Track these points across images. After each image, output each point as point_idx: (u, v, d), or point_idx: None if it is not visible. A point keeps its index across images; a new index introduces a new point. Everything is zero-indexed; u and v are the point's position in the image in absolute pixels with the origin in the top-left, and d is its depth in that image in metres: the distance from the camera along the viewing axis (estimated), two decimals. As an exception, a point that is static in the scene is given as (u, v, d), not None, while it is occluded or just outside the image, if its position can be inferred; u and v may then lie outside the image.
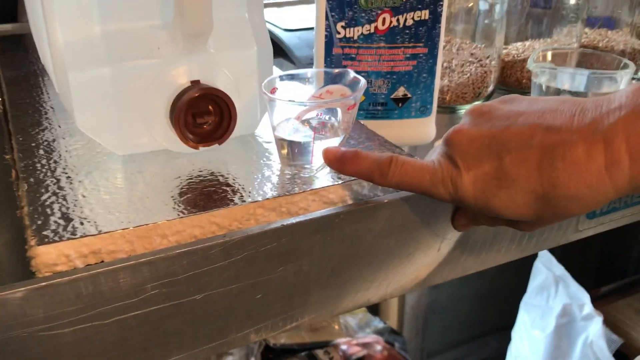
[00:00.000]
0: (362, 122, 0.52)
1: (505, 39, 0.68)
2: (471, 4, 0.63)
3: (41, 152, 0.42)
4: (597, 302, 1.21)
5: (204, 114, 0.39)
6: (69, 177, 0.38)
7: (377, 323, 1.09)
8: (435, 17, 0.52)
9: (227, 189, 0.37)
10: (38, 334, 0.29)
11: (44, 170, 0.39)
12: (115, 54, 0.38)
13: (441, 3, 0.51)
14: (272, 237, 0.33)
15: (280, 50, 0.76)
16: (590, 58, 0.57)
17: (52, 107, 0.50)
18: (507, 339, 1.31)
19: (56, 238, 0.32)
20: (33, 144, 0.43)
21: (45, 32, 0.43)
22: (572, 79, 0.52)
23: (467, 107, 0.64)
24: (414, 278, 0.39)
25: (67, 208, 0.34)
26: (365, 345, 1.02)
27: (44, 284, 0.28)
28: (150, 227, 0.33)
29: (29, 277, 0.31)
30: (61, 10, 0.38)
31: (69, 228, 0.33)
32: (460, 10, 0.64)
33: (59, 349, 0.30)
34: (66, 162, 0.40)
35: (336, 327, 1.00)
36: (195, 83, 0.39)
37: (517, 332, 1.27)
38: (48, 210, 0.34)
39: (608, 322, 1.15)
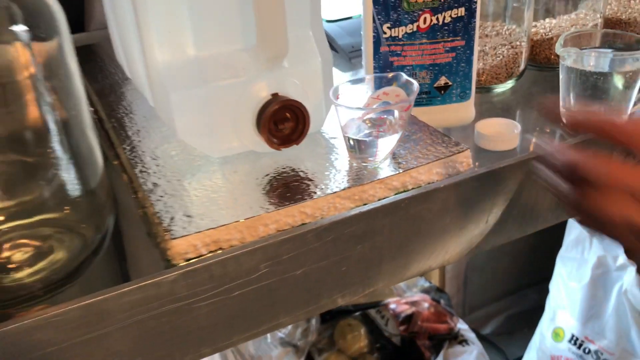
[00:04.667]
0: (408, 109, 0.59)
1: (534, 15, 0.73)
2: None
3: (148, 158, 0.50)
4: (630, 252, 1.27)
5: (283, 121, 0.47)
6: (178, 179, 0.47)
7: (423, 283, 1.18)
8: (471, 12, 0.58)
9: (308, 182, 0.46)
10: (182, 307, 0.38)
11: (155, 174, 0.48)
12: (208, 76, 0.46)
13: (475, 0, 0.58)
14: (352, 222, 0.41)
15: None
16: (614, 37, 0.63)
17: (144, 116, 0.58)
18: (545, 292, 1.38)
19: (185, 232, 0.40)
20: (140, 152, 0.51)
21: (139, 53, 0.51)
22: (597, 60, 0.59)
23: (501, 86, 0.70)
24: (467, 246, 0.47)
25: (186, 207, 0.43)
26: (413, 304, 1.11)
27: (188, 269, 0.37)
28: (255, 218, 0.42)
29: (163, 264, 0.40)
30: (160, 39, 0.46)
31: (193, 223, 0.41)
32: (491, -3, 0.69)
33: (196, 319, 0.39)
34: (172, 166, 0.49)
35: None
36: (275, 96, 0.47)
37: (554, 285, 1.34)
38: (170, 209, 0.43)
39: (642, 271, 1.21)
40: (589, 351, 1.21)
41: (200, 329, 0.39)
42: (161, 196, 0.45)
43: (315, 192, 0.44)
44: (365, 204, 0.45)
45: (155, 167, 0.49)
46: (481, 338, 1.27)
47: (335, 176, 0.46)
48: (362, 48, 0.62)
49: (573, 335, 1.23)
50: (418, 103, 0.62)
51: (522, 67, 0.72)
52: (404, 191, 0.46)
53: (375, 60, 0.60)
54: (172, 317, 0.38)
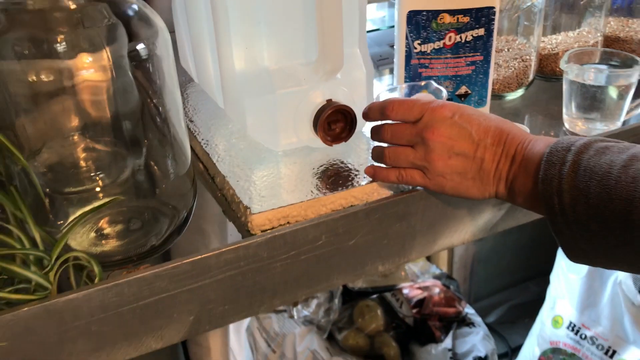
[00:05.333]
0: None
1: (542, 31, 0.84)
2: (515, 9, 0.79)
3: (221, 150, 0.61)
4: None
5: (336, 122, 0.58)
6: (250, 167, 0.58)
7: (435, 270, 1.29)
8: (489, 32, 0.69)
9: (355, 172, 0.56)
10: (262, 267, 0.49)
11: (230, 163, 0.58)
12: (276, 85, 0.57)
13: (493, 22, 0.68)
14: (394, 204, 0.52)
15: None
16: (611, 55, 0.73)
17: (211, 115, 0.69)
18: (545, 285, 1.48)
19: (261, 209, 0.51)
20: (214, 144, 0.62)
21: (213, 63, 0.62)
22: (595, 75, 0.69)
23: (513, 94, 0.81)
24: (483, 228, 0.58)
25: (259, 190, 0.54)
26: (425, 289, 1.21)
27: (269, 236, 0.48)
28: (315, 200, 0.52)
29: (245, 234, 0.51)
30: (237, 54, 0.57)
31: (266, 202, 0.52)
32: (505, 12, 0.80)
33: (272, 276, 0.50)
34: (242, 157, 0.59)
35: (402, 273, 1.20)
36: (329, 101, 0.57)
37: (554, 276, 1.44)
38: (248, 191, 0.54)
39: (636, 264, 1.31)
40: (585, 337, 1.31)
41: (275, 284, 0.50)
42: (237, 181, 0.56)
43: (360, 180, 0.55)
44: (402, 191, 0.55)
45: (228, 157, 0.60)
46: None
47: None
48: (395, 60, 0.72)
49: (571, 323, 1.34)
50: (441, 108, 0.73)
51: (531, 77, 0.82)
52: (433, 181, 0.56)
53: (406, 71, 0.71)
54: (255, 274, 0.48)
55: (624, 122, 0.72)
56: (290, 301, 0.50)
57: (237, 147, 0.61)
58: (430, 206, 0.54)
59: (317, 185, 0.54)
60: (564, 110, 0.73)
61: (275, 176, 0.56)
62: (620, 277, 1.28)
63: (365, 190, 0.54)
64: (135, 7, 0.49)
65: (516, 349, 1.58)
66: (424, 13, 0.67)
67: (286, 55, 0.57)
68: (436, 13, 0.67)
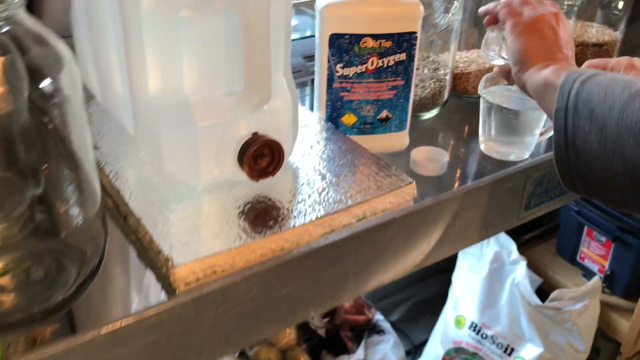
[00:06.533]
0: (352, 137, 0.68)
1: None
2: (432, 30, 0.79)
3: (132, 184, 0.55)
4: (521, 248, 1.45)
5: (263, 156, 0.54)
6: (167, 207, 0.53)
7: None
8: (410, 57, 0.68)
9: (283, 210, 0.53)
10: (187, 327, 0.44)
11: (144, 201, 0.53)
12: (196, 117, 0.52)
13: (415, 47, 0.67)
14: (326, 248, 0.49)
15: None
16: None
17: (119, 141, 0.62)
18: (446, 280, 1.53)
19: (185, 260, 0.46)
20: (124, 178, 0.56)
21: (124, 87, 0.56)
22: (507, 97, 0.71)
23: (428, 113, 0.81)
24: (412, 264, 0.57)
25: (181, 234, 0.49)
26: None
27: (196, 295, 0.43)
28: (244, 246, 0.48)
29: (166, 287, 0.46)
30: (154, 82, 0.51)
31: (190, 250, 0.47)
32: (422, 33, 0.79)
33: (199, 335, 0.45)
34: (157, 193, 0.54)
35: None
36: (255, 134, 0.53)
37: (457, 277, 1.50)
38: (166, 237, 0.49)
39: (530, 265, 1.39)
40: (486, 336, 1.37)
41: (202, 342, 0.45)
42: (154, 224, 0.50)
43: (291, 220, 0.52)
44: (332, 230, 0.53)
45: (142, 193, 0.54)
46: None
47: (304, 203, 0.54)
48: (315, 83, 0.69)
49: (473, 322, 1.39)
50: (362, 132, 0.71)
51: (445, 96, 0.82)
52: (364, 217, 0.54)
53: (328, 94, 0.68)
54: (180, 336, 0.44)
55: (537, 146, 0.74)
56: (218, 357, 0.47)
57: (150, 182, 0.56)
58: (362, 247, 0.52)
59: (244, 227, 0.51)
60: (481, 132, 0.74)
61: (196, 216, 0.52)
62: (518, 278, 1.34)
63: (296, 232, 0.51)
64: (36, 35, 0.42)
65: (419, 346, 1.62)
66: (347, 37, 0.65)
67: (207, 84, 0.52)
68: (359, 37, 0.65)
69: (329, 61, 0.66)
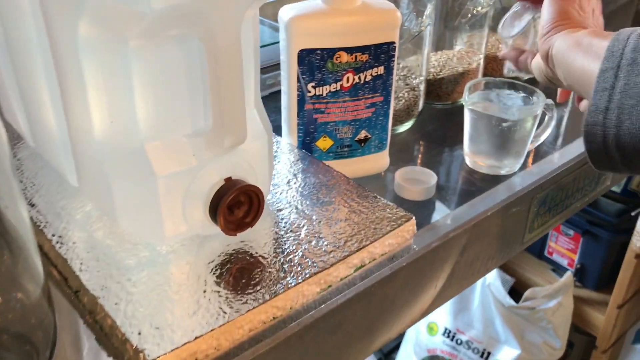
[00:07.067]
0: (329, 162, 0.60)
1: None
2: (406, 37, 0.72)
3: (81, 250, 0.45)
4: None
5: (239, 205, 0.45)
6: (128, 278, 0.43)
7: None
8: (389, 70, 0.60)
9: (271, 269, 0.45)
10: None
11: (99, 272, 0.43)
12: (155, 166, 0.42)
13: (393, 59, 0.60)
14: (329, 315, 0.41)
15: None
16: (494, 83, 0.69)
17: (59, 193, 0.52)
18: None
19: (160, 351, 0.37)
20: (71, 242, 0.46)
21: (61, 131, 0.46)
22: (495, 106, 0.65)
23: (402, 127, 0.74)
24: (419, 313, 0.49)
25: (151, 316, 0.40)
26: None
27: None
28: (229, 323, 0.40)
29: (138, 385, 0.37)
30: (100, 124, 0.42)
31: (164, 336, 0.38)
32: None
33: None
34: (114, 260, 0.45)
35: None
36: (228, 180, 0.44)
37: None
38: (133, 320, 0.39)
39: (502, 266, 1.36)
40: (461, 342, 1.33)
41: None
42: (115, 303, 0.41)
43: (280, 281, 0.43)
44: (329, 285, 0.45)
45: (95, 263, 0.44)
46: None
47: (293, 256, 0.46)
48: (283, 104, 0.61)
49: (446, 329, 1.35)
50: (340, 156, 0.63)
51: (420, 106, 0.76)
52: (362, 266, 0.47)
53: (299, 117, 0.60)
54: None
55: (527, 156, 0.68)
56: None
57: (103, 245, 0.46)
58: (367, 306, 0.44)
59: (225, 297, 0.42)
60: (466, 145, 0.68)
61: (165, 288, 0.43)
62: (489, 280, 1.30)
63: (289, 296, 0.43)
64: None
65: (389, 353, 1.57)
66: (318, 52, 0.57)
67: (167, 125, 0.43)
68: (331, 52, 0.57)
69: (298, 80, 0.58)
